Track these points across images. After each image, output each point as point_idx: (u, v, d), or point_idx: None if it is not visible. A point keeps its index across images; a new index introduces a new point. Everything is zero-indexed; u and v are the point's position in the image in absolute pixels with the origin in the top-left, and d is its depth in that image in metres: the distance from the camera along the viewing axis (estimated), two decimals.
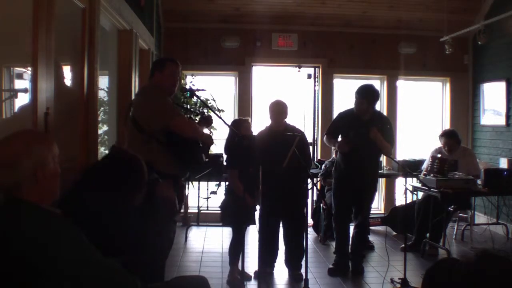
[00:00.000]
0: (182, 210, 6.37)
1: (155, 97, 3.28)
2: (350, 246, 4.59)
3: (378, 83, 7.07)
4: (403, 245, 4.39)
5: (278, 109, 4.34)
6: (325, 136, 4.67)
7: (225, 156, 4.62)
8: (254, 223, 4.30)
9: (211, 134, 4.26)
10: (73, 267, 1.53)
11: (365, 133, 4.28)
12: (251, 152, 3.77)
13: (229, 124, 3.81)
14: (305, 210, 4.12)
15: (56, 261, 1.51)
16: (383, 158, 6.23)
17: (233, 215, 4.18)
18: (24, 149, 1.59)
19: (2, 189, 1.60)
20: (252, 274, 4.34)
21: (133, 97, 4.08)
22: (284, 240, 4.48)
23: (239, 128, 4.06)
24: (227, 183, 4.67)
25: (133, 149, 2.64)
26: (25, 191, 1.59)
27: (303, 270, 3.96)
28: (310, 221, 5.89)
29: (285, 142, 4.06)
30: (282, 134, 4.21)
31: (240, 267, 4.15)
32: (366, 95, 4.36)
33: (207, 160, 3.50)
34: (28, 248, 1.48)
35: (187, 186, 6.09)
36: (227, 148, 4.31)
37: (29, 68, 2.35)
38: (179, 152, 3.21)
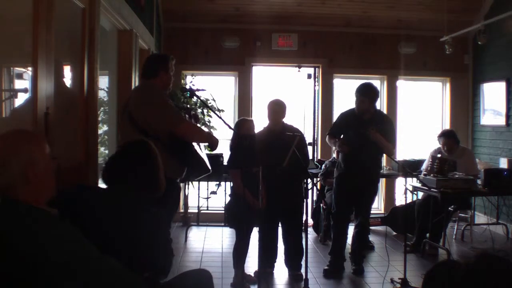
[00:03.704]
0: (182, 210, 6.39)
1: (162, 101, 3.20)
2: (350, 246, 4.58)
3: (378, 83, 7.06)
4: (408, 246, 4.36)
5: (276, 109, 4.33)
6: (327, 136, 4.67)
7: (225, 156, 4.60)
8: (257, 225, 4.28)
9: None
10: (73, 266, 1.53)
11: (364, 133, 4.27)
12: (252, 152, 3.76)
13: (234, 124, 3.80)
14: (303, 210, 4.11)
15: (55, 261, 1.50)
16: (383, 158, 6.23)
17: (237, 217, 4.16)
18: (11, 149, 1.57)
19: None
20: (252, 274, 4.34)
21: None
22: (283, 240, 4.48)
23: (240, 128, 4.05)
24: (231, 184, 4.64)
25: None
26: (19, 191, 1.57)
27: (303, 270, 3.95)
28: (310, 221, 5.90)
29: (284, 142, 4.05)
30: (280, 134, 4.21)
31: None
32: (367, 93, 4.35)
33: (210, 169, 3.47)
34: (25, 248, 1.48)
35: (186, 186, 6.09)
36: (231, 148, 4.30)
37: (29, 68, 2.35)
38: (184, 158, 3.20)
